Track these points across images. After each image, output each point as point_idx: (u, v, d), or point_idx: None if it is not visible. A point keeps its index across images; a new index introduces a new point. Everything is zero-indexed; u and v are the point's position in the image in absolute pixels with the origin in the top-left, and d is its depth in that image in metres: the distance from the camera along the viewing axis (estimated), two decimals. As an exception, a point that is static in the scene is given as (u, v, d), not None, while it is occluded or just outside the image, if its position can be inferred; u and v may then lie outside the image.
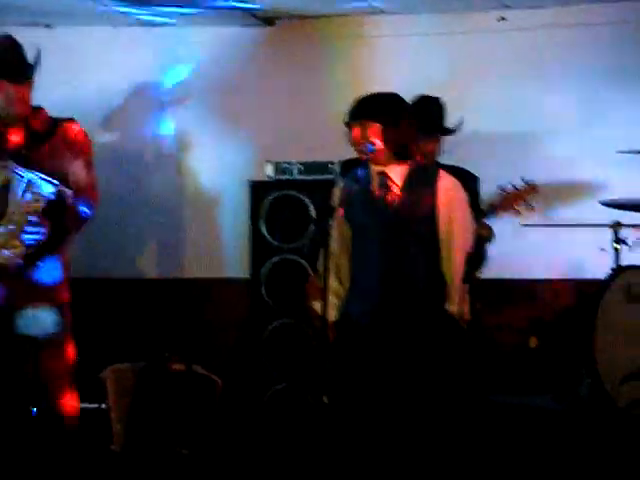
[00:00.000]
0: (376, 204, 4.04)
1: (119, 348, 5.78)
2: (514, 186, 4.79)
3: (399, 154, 4.02)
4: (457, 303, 3.85)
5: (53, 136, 4.50)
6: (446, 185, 4.02)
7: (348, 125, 4.10)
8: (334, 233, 4.03)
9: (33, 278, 4.38)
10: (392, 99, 4.08)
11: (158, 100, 6.29)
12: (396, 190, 4.01)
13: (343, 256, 4.12)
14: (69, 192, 4.35)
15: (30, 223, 4.32)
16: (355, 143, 4.06)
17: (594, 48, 5.75)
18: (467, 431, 4.02)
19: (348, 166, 4.61)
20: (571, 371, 5.29)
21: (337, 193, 4.13)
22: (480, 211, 4.78)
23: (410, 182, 4.02)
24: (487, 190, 5.16)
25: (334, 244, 4.07)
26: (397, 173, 4.04)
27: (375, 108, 4.02)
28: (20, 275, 4.35)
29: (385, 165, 4.04)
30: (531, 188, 4.74)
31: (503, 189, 4.75)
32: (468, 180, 4.93)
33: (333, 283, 4.09)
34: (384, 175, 4.03)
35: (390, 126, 3.99)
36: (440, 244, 4.00)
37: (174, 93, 6.27)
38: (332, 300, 4.08)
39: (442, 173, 4.07)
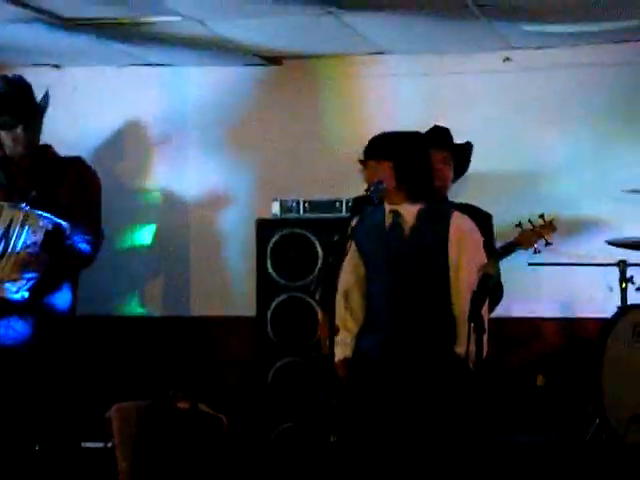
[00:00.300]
0: (388, 241, 4.05)
1: (125, 387, 5.77)
2: (531, 223, 4.79)
3: (412, 193, 4.02)
4: (462, 344, 3.83)
5: (61, 175, 4.53)
6: (459, 225, 4.01)
7: (363, 163, 4.12)
8: (347, 269, 4.04)
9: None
10: (407, 137, 4.09)
11: (163, 138, 6.32)
12: (408, 229, 4.02)
13: (356, 292, 4.12)
14: (66, 225, 4.38)
15: (30, 258, 4.35)
16: (367, 181, 4.07)
17: (599, 87, 5.78)
18: (476, 470, 3.99)
19: (361, 203, 4.61)
20: (579, 410, 5.27)
21: (350, 229, 4.13)
22: (494, 250, 4.79)
23: (422, 221, 4.02)
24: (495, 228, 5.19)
25: (348, 280, 4.08)
26: (409, 212, 4.03)
27: (387, 146, 4.03)
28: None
29: (398, 204, 4.04)
30: (549, 225, 4.74)
31: (520, 226, 4.74)
32: (482, 218, 4.94)
33: (348, 321, 4.10)
34: (396, 213, 4.04)
35: (402, 165, 4.00)
36: (450, 284, 4.00)
37: (179, 132, 6.31)
38: (344, 338, 4.08)
39: (456, 213, 4.06)
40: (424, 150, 4.11)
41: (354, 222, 4.10)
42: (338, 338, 4.04)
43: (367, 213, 4.11)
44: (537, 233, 4.72)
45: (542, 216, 4.77)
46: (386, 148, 4.02)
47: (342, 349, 4.10)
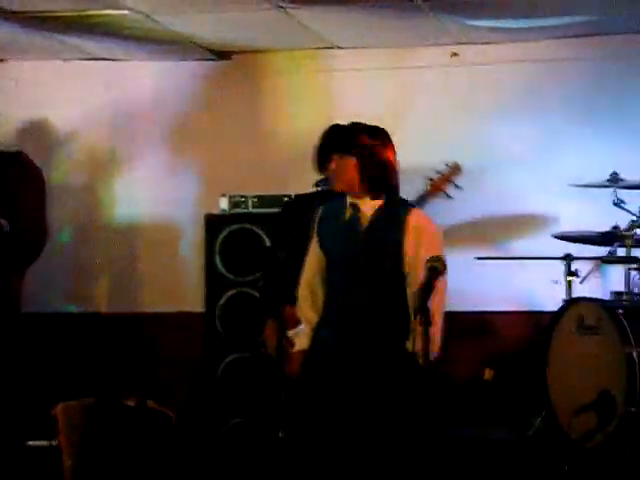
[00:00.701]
0: (346, 234, 4.04)
1: (72, 384, 5.71)
2: (438, 171, 4.86)
3: (373, 188, 4.02)
4: (412, 339, 3.84)
5: (2, 170, 4.47)
6: (417, 222, 3.99)
7: (325, 156, 4.12)
8: (310, 261, 4.04)
9: None
10: (371, 131, 4.05)
11: (110, 133, 6.27)
12: (365, 224, 4.02)
13: (318, 284, 4.11)
14: (3, 222, 4.32)
15: None
16: (330, 174, 4.06)
17: (546, 83, 5.83)
18: (424, 464, 4.01)
19: (306, 199, 4.62)
20: (525, 403, 5.31)
21: (315, 220, 4.12)
22: None
23: (380, 217, 4.02)
24: (442, 224, 5.20)
25: (311, 272, 4.08)
26: (369, 207, 4.03)
27: (353, 141, 4.03)
28: None
29: (359, 198, 4.04)
30: (455, 168, 4.84)
31: (429, 177, 4.82)
32: None
33: (308, 312, 4.09)
34: (355, 207, 4.04)
35: (366, 161, 3.99)
36: (405, 280, 4.01)
37: (126, 126, 6.26)
38: (305, 329, 4.08)
39: (415, 210, 4.04)
40: (387, 144, 4.08)
41: (318, 215, 4.10)
42: (299, 328, 4.07)
43: (330, 206, 4.10)
44: (445, 178, 4.81)
45: (446, 164, 4.84)
46: (352, 143, 4.01)
47: (300, 340, 4.10)
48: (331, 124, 4.58)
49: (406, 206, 4.11)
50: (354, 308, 3.99)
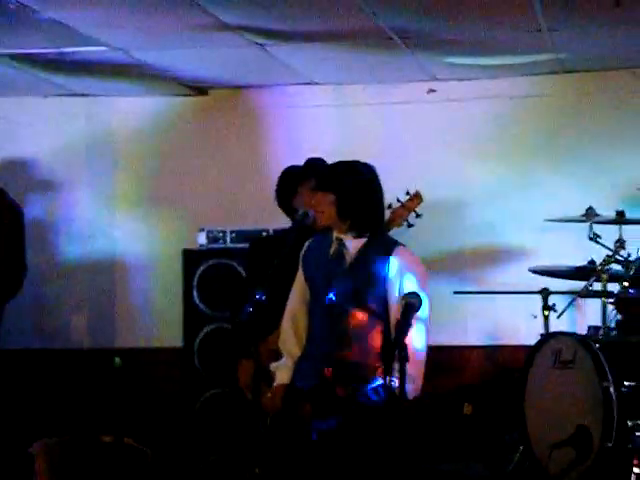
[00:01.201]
0: (330, 269, 4.03)
1: (49, 422, 5.68)
2: (399, 200, 4.88)
3: (355, 226, 4.00)
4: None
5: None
6: (402, 259, 3.98)
7: (301, 183, 4.22)
8: (294, 293, 4.04)
9: None
10: (353, 169, 4.03)
11: (89, 168, 6.27)
12: (350, 260, 4.00)
13: (302, 317, 4.08)
14: None
15: None
16: (315, 210, 4.05)
17: (521, 119, 5.89)
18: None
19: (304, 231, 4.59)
20: (504, 438, 5.31)
21: (302, 252, 4.12)
22: None
23: (365, 254, 4.00)
24: (420, 258, 5.21)
25: (295, 304, 4.07)
26: (354, 243, 4.02)
27: (331, 178, 4.01)
28: None
29: (343, 233, 4.02)
30: (415, 197, 4.83)
31: (390, 206, 4.83)
32: None
33: (291, 346, 4.07)
34: (341, 242, 4.02)
35: (344, 198, 3.94)
36: (388, 316, 4.00)
37: (105, 162, 6.26)
38: (287, 362, 4.06)
39: (399, 248, 4.01)
40: (370, 182, 4.05)
41: (305, 247, 4.09)
42: (281, 362, 4.03)
43: (317, 239, 4.09)
44: (407, 207, 4.81)
45: (408, 192, 4.86)
46: (329, 180, 4.01)
47: (281, 374, 4.04)
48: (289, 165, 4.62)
49: (392, 244, 4.09)
50: (335, 347, 3.98)
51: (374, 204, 4.05)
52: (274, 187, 5.10)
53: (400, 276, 3.95)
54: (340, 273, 3.99)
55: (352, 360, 3.97)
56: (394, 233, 4.77)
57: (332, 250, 4.02)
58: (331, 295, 3.96)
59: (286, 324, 4.07)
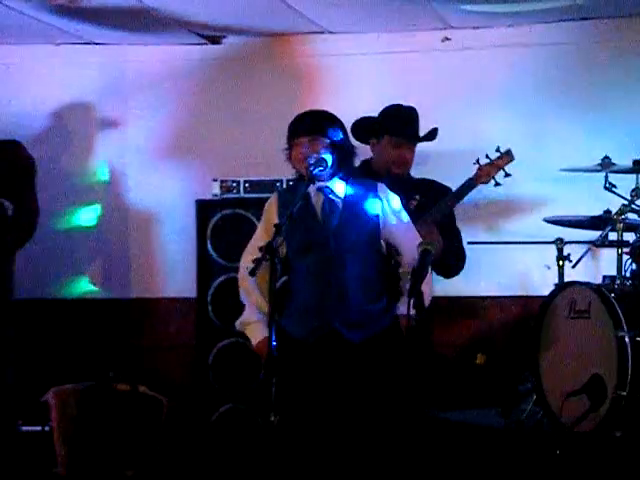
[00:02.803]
0: (319, 220, 4.04)
1: (65, 370, 5.72)
2: (488, 157, 4.83)
3: (343, 169, 4.04)
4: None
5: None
6: (386, 196, 4.09)
7: (291, 141, 4.12)
8: (257, 244, 4.03)
9: None
10: (333, 116, 4.14)
11: (102, 119, 6.24)
12: (340, 202, 4.04)
13: (266, 270, 4.08)
14: (7, 203, 4.32)
15: None
16: (303, 158, 4.05)
17: (536, 68, 5.82)
18: (413, 447, 4.02)
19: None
20: (517, 387, 5.32)
21: (272, 208, 4.12)
22: (453, 226, 4.85)
23: (353, 193, 4.05)
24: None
25: (256, 254, 4.06)
26: (339, 187, 4.07)
27: (324, 124, 4.02)
28: None
29: (325, 181, 4.06)
30: (506, 155, 4.78)
31: (478, 162, 4.78)
32: (442, 191, 5.02)
33: (259, 297, 4.08)
34: (327, 189, 4.04)
35: (337, 141, 4.02)
36: (388, 257, 4.05)
37: (118, 112, 6.23)
38: (254, 316, 4.08)
39: (381, 186, 4.13)
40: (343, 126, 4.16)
41: (275, 200, 4.10)
42: (250, 318, 4.10)
43: (292, 191, 4.11)
44: (495, 165, 4.76)
45: (498, 149, 4.79)
46: (322, 125, 4.03)
47: (255, 333, 4.11)
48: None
49: (371, 183, 4.17)
50: (331, 294, 3.99)
51: (350, 144, 4.18)
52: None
53: (391, 213, 4.07)
54: (336, 220, 4.01)
55: (351, 307, 3.99)
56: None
57: (318, 200, 4.04)
58: (330, 243, 3.98)
59: (246, 274, 3.99)
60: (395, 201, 4.14)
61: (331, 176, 4.07)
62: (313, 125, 4.06)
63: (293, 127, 4.13)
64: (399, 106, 5.11)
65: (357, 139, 4.83)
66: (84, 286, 6.16)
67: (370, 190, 4.09)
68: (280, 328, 4.00)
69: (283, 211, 4.05)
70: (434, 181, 5.23)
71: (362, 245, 4.03)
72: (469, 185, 4.95)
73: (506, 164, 4.83)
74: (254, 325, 4.12)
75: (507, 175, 4.79)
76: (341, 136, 4.08)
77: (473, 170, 4.97)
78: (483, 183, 4.85)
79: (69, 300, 6.16)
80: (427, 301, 3.91)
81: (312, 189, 4.08)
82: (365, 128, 5.02)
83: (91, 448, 5.01)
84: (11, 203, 4.40)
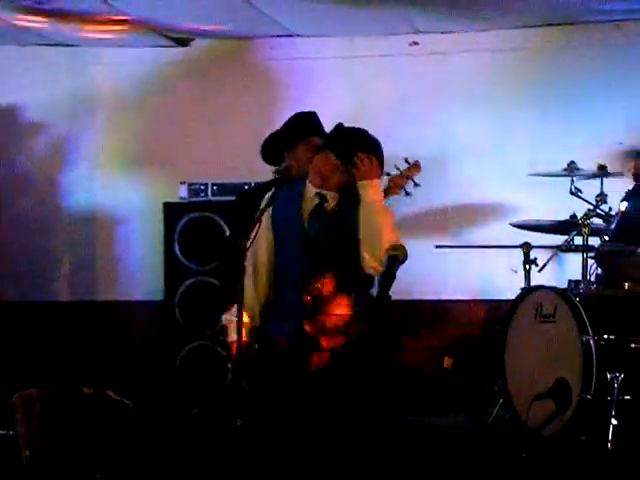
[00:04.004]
0: (304, 224, 4.04)
1: (30, 373, 5.66)
2: (398, 168, 4.88)
3: (342, 183, 4.05)
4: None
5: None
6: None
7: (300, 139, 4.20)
8: (261, 246, 4.03)
9: None
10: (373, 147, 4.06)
11: (70, 120, 6.21)
12: (330, 208, 4.03)
13: (265, 271, 4.09)
14: None
15: None
16: (319, 172, 4.04)
17: (503, 72, 5.86)
18: (381, 451, 4.03)
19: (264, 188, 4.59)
20: (484, 391, 5.34)
21: (267, 205, 4.10)
22: None
23: (343, 202, 4.05)
24: (401, 213, 5.19)
25: (260, 260, 4.06)
26: (333, 195, 4.06)
27: (347, 146, 4.00)
28: None
29: (327, 188, 4.04)
30: (414, 166, 4.84)
31: (388, 174, 4.82)
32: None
33: (251, 299, 4.07)
34: (323, 197, 4.04)
35: (347, 160, 3.98)
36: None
37: (86, 113, 6.20)
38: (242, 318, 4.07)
39: None
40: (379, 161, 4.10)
41: (265, 201, 4.08)
42: (233, 314, 4.03)
43: (282, 192, 4.09)
44: (405, 176, 4.82)
45: (406, 159, 4.86)
46: (346, 148, 4.00)
47: (233, 331, 4.01)
48: (297, 111, 4.58)
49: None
50: (307, 294, 4.00)
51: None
52: (255, 139, 5.07)
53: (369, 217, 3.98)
54: (321, 225, 4.01)
55: (328, 313, 4.00)
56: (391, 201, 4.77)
57: (309, 204, 4.04)
58: (310, 248, 3.98)
59: (249, 279, 3.99)
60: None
61: (333, 186, 4.04)
62: (334, 140, 4.05)
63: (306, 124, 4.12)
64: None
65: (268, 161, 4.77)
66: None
67: (355, 197, 4.02)
68: (261, 326, 4.01)
69: (273, 207, 4.04)
70: None
71: (339, 254, 4.02)
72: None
73: (415, 174, 4.89)
74: (232, 324, 4.10)
75: (416, 185, 4.86)
76: (349, 159, 4.01)
77: (384, 182, 4.98)
78: (395, 194, 4.90)
79: (34, 303, 6.12)
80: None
81: (309, 191, 4.06)
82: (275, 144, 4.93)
83: (57, 452, 4.96)
84: None
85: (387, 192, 4.77)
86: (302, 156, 4.48)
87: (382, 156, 4.11)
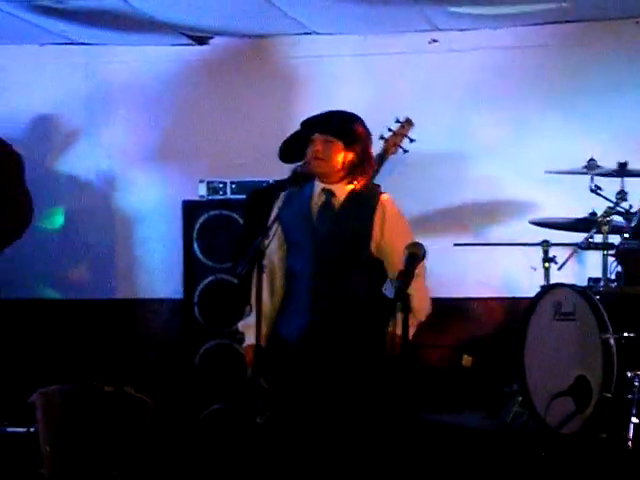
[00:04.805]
0: (314, 220, 4.04)
1: (50, 371, 5.69)
2: (390, 129, 4.89)
3: (351, 174, 4.03)
4: (392, 323, 3.86)
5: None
6: (385, 208, 4.06)
7: (310, 136, 4.08)
8: (273, 246, 4.03)
9: None
10: (355, 119, 4.10)
11: (88, 119, 6.23)
12: (337, 208, 4.03)
13: (278, 272, 4.10)
14: None
15: None
16: (314, 157, 4.04)
17: (522, 70, 5.84)
18: (400, 450, 4.03)
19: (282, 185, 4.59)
20: (503, 389, 5.33)
21: (276, 206, 4.11)
22: None
23: (351, 201, 4.04)
24: (420, 211, 5.22)
25: (272, 259, 4.06)
26: (342, 191, 4.06)
27: (341, 127, 4.03)
28: None
29: (334, 183, 4.05)
30: (406, 123, 4.87)
31: (382, 136, 4.84)
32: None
33: (265, 303, 4.06)
34: (330, 192, 4.05)
35: (351, 147, 4.02)
36: (384, 264, 4.03)
37: (104, 112, 6.22)
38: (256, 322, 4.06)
39: (384, 196, 4.12)
40: (369, 133, 4.13)
41: (280, 200, 4.09)
42: (250, 320, 4.01)
43: (294, 192, 4.09)
44: (399, 134, 4.85)
45: (397, 119, 4.88)
46: (340, 128, 4.02)
47: (250, 335, 4.05)
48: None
49: (376, 192, 4.14)
50: (323, 295, 4.00)
51: (371, 157, 4.15)
52: (274, 137, 5.08)
53: (384, 223, 4.03)
54: (328, 223, 4.01)
55: (341, 310, 4.00)
56: (391, 161, 4.78)
57: (319, 201, 4.04)
58: (319, 246, 3.98)
59: (264, 280, 3.98)
60: (392, 215, 4.10)
61: (340, 179, 4.05)
62: (332, 126, 4.04)
63: (312, 121, 4.11)
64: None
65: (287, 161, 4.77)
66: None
67: (370, 199, 4.06)
68: (275, 331, 4.01)
69: (284, 207, 4.04)
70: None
71: (350, 252, 4.02)
72: (380, 160, 4.94)
73: (408, 131, 4.92)
74: (248, 329, 4.09)
75: (412, 140, 4.89)
76: (357, 142, 4.04)
77: (380, 145, 4.98)
78: (393, 154, 4.92)
79: (55, 301, 6.15)
80: (424, 312, 3.92)
81: (317, 189, 4.07)
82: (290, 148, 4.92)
83: (76, 449, 4.99)
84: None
85: (385, 154, 4.82)
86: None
87: (363, 123, 4.09)
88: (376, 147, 4.92)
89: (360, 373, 3.98)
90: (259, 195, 5.06)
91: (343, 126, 4.05)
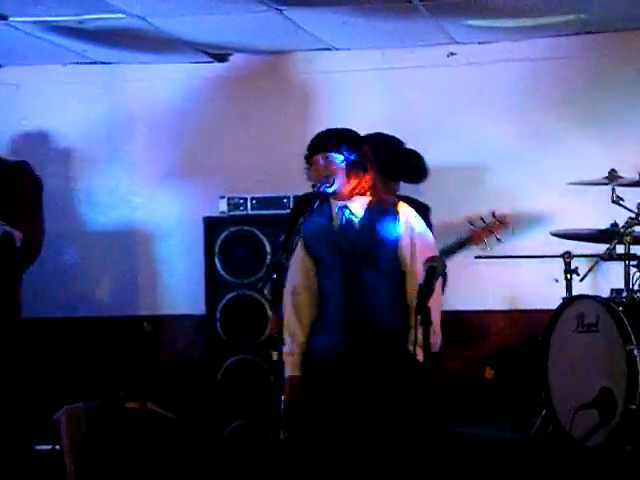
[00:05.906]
0: (337, 238, 4.06)
1: (74, 388, 5.72)
2: (483, 220, 4.84)
3: (354, 175, 4.05)
4: (411, 337, 3.86)
5: (3, 178, 4.49)
6: (406, 216, 4.07)
7: (309, 159, 4.11)
8: (295, 267, 4.04)
9: None
10: (354, 135, 4.14)
11: (109, 137, 6.27)
12: (358, 224, 4.04)
13: (304, 292, 4.11)
14: (17, 234, 4.33)
15: None
16: (316, 177, 4.06)
17: (541, 82, 5.83)
18: (426, 462, 4.02)
19: (305, 201, 4.59)
20: (527, 402, 5.31)
21: (299, 226, 4.12)
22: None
23: (371, 215, 4.05)
24: (441, 223, 5.19)
25: (297, 279, 4.07)
26: (357, 206, 4.07)
27: (340, 142, 4.05)
28: None
29: (347, 199, 4.07)
30: (501, 222, 4.80)
31: (472, 223, 4.78)
32: (420, 210, 4.98)
33: (295, 327, 4.08)
34: (346, 208, 4.06)
35: (351, 160, 4.03)
36: (405, 276, 4.04)
37: (124, 129, 6.26)
38: (292, 348, 4.07)
39: (402, 204, 4.12)
40: (368, 147, 4.14)
41: (301, 219, 4.10)
42: (287, 350, 4.00)
43: (313, 211, 4.10)
44: (488, 230, 4.78)
45: (494, 214, 4.82)
46: (338, 144, 4.04)
47: (291, 366, 4.07)
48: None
49: (392, 201, 4.15)
50: (352, 311, 4.00)
51: (368, 153, 4.13)
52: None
53: (409, 232, 4.03)
54: (351, 240, 4.02)
55: (373, 325, 4.00)
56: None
57: (338, 219, 4.05)
58: (347, 265, 3.99)
59: (288, 299, 4.04)
60: (417, 222, 4.11)
61: (351, 194, 4.07)
62: (327, 143, 4.06)
63: (310, 145, 4.14)
64: None
65: None
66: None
67: (390, 211, 4.07)
68: (308, 347, 4.06)
69: (309, 234, 4.06)
70: (410, 198, 5.11)
71: (376, 267, 4.02)
72: (459, 245, 4.92)
73: (499, 231, 4.84)
74: (287, 358, 4.08)
75: (498, 240, 4.82)
76: (355, 154, 4.07)
77: (466, 231, 4.95)
78: (474, 245, 4.87)
79: (79, 319, 6.17)
80: (438, 340, 3.95)
81: (335, 208, 4.09)
82: None
83: (101, 466, 5.01)
84: (20, 232, 4.40)
85: (468, 242, 4.74)
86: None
87: (353, 130, 4.11)
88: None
89: (393, 391, 3.98)
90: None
91: (336, 139, 4.07)
